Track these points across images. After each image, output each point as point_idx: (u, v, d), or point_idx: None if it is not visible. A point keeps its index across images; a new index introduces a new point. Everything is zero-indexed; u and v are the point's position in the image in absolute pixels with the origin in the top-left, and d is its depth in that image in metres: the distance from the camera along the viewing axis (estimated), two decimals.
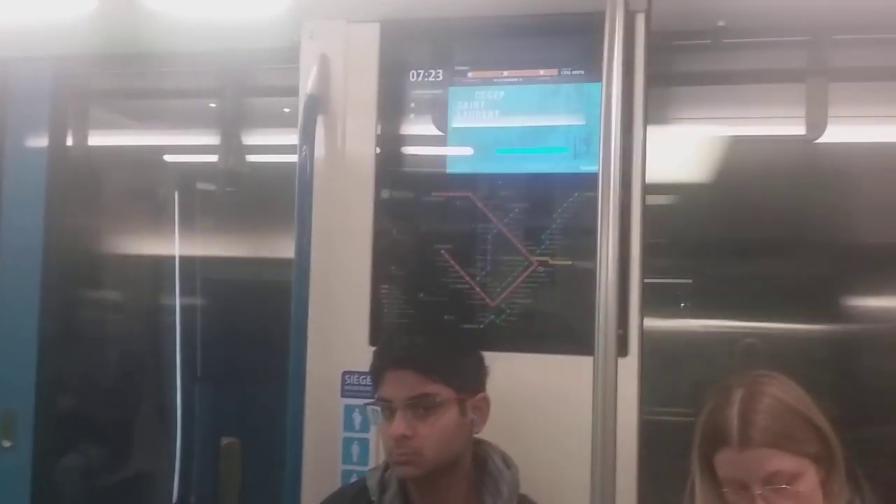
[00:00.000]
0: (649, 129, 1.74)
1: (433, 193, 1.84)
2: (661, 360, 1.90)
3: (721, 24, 1.77)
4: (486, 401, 1.56)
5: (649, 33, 1.73)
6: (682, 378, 2.11)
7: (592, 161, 1.62)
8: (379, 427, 1.56)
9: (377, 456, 1.79)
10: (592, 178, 1.48)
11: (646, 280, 1.71)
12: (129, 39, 2.04)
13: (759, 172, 2.11)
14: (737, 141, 2.09)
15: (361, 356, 1.79)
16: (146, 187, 2.55)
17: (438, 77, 1.86)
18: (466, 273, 1.80)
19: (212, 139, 2.30)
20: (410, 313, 1.83)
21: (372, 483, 1.58)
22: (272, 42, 1.98)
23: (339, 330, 1.85)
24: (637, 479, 1.65)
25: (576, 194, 1.76)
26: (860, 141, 2.07)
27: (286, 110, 2.10)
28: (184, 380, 2.46)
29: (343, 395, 1.84)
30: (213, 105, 2.33)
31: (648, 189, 1.73)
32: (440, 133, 1.86)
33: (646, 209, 1.72)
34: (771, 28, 1.82)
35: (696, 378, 2.02)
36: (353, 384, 1.83)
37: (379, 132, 1.87)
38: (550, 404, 1.72)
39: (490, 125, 1.83)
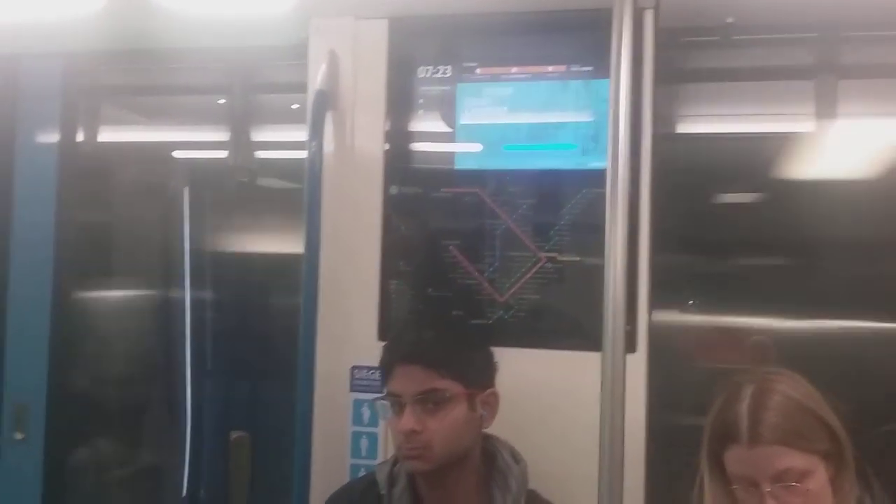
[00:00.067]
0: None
1: (441, 189, 1.85)
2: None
3: (730, 20, 1.77)
4: (496, 396, 1.57)
5: (658, 30, 1.73)
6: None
7: (601, 157, 1.61)
8: (388, 422, 1.57)
9: (386, 450, 1.80)
10: (601, 174, 1.49)
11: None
12: (138, 36, 2.05)
13: None
14: None
15: (370, 351, 1.80)
16: (156, 183, 2.56)
17: (447, 73, 1.86)
18: (475, 269, 1.81)
19: (221, 135, 2.31)
20: (419, 309, 1.83)
21: (381, 477, 1.59)
22: (281, 38, 1.98)
23: (348, 325, 1.86)
24: (645, 474, 1.66)
25: (584, 190, 1.76)
26: None
27: (295, 106, 2.11)
28: (194, 374, 2.47)
29: (352, 390, 1.85)
30: (222, 101, 2.34)
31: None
32: (448, 129, 1.87)
33: (654, 205, 1.72)
34: (780, 25, 1.81)
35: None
36: (362, 379, 1.84)
37: (387, 128, 1.88)
38: (558, 400, 1.72)
39: (498, 121, 1.83)
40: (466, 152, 1.86)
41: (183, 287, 2.51)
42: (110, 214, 2.55)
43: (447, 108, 1.86)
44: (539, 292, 1.78)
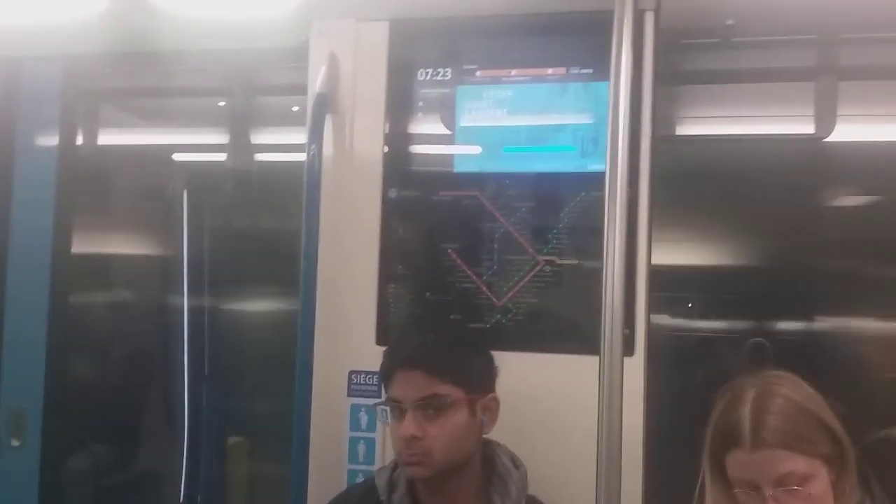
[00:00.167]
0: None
1: (441, 192, 1.84)
2: None
3: (730, 22, 1.76)
4: (496, 401, 1.56)
5: (658, 32, 1.72)
6: None
7: (600, 160, 1.61)
8: (388, 427, 1.55)
9: (383, 455, 1.79)
10: (600, 177, 1.48)
11: None
12: (138, 38, 2.05)
13: None
14: None
15: (368, 355, 1.79)
16: (155, 186, 2.56)
17: (446, 76, 1.86)
18: (473, 272, 1.80)
19: (221, 138, 2.30)
20: (417, 313, 1.82)
21: (381, 483, 1.57)
22: (281, 41, 1.98)
23: (346, 329, 1.85)
24: (643, 478, 1.64)
25: (583, 193, 1.75)
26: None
27: (295, 109, 2.10)
28: (191, 379, 2.46)
29: (349, 395, 1.84)
30: (222, 104, 2.34)
31: None
32: (448, 132, 1.86)
33: (653, 208, 1.71)
34: (780, 27, 1.81)
35: None
36: (360, 384, 1.83)
37: (387, 131, 1.88)
38: (556, 404, 1.71)
39: (498, 124, 1.83)
40: (466, 155, 1.86)
41: (181, 291, 2.51)
42: (109, 218, 2.54)
43: (447, 111, 1.86)
44: (537, 296, 1.77)
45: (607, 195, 1.42)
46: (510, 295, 1.78)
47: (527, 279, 1.77)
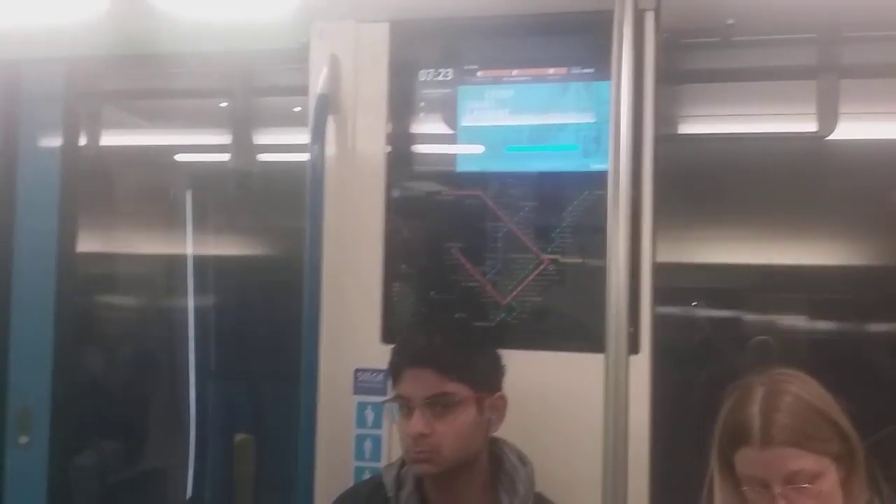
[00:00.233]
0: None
1: (443, 192, 1.85)
2: None
3: (731, 21, 1.77)
4: (504, 400, 1.57)
5: (659, 31, 1.73)
6: None
7: (602, 159, 1.62)
8: (396, 424, 1.57)
9: (389, 453, 1.81)
10: (602, 176, 1.49)
11: None
12: (140, 40, 2.05)
13: None
14: None
15: (373, 353, 1.81)
16: (158, 187, 2.57)
17: (448, 76, 1.86)
18: (477, 271, 1.81)
19: (223, 139, 2.31)
20: (422, 311, 1.84)
21: (388, 480, 1.59)
22: (282, 42, 1.98)
23: (351, 327, 1.86)
24: (649, 475, 1.66)
25: (586, 192, 1.76)
26: None
27: (297, 109, 2.11)
28: (198, 377, 2.48)
29: (355, 392, 1.85)
30: (223, 105, 2.35)
31: None
32: (450, 132, 1.87)
33: (656, 206, 1.72)
34: (781, 25, 1.81)
35: None
36: (366, 381, 1.85)
37: (389, 131, 1.88)
38: (561, 402, 1.72)
39: (500, 124, 1.83)
40: (468, 154, 1.86)
41: (186, 290, 2.52)
42: (113, 218, 2.55)
43: (448, 111, 1.86)
44: (541, 294, 1.78)
45: (610, 194, 1.43)
46: (514, 293, 1.79)
47: (531, 278, 1.78)
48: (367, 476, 1.78)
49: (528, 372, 1.69)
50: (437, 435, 1.48)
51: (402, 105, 1.88)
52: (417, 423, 1.48)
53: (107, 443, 2.52)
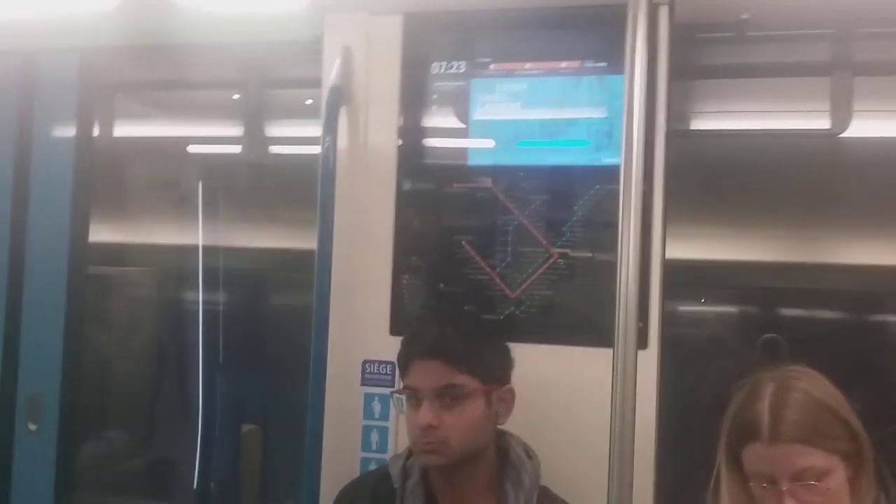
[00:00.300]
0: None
1: (454, 185, 1.85)
2: None
3: (745, 16, 1.76)
4: (512, 392, 1.58)
5: (672, 25, 1.72)
6: None
7: (614, 153, 1.61)
8: (404, 415, 1.57)
9: (396, 444, 1.81)
10: (614, 170, 1.49)
11: None
12: (153, 31, 2.07)
13: None
14: None
15: (382, 346, 1.81)
16: (170, 177, 2.58)
17: (460, 69, 1.86)
18: (487, 264, 1.81)
19: (235, 130, 2.32)
20: (431, 304, 1.84)
21: (394, 471, 1.59)
22: (295, 34, 1.99)
23: (360, 319, 1.86)
24: (655, 470, 1.65)
25: (597, 186, 1.76)
26: None
27: (309, 102, 2.12)
28: (206, 367, 2.48)
29: (363, 384, 1.86)
30: (236, 97, 2.35)
31: None
32: (462, 125, 1.87)
33: (667, 201, 1.71)
34: (795, 21, 1.80)
35: None
36: (374, 373, 1.85)
37: (401, 124, 1.89)
38: (569, 396, 1.72)
39: (512, 117, 1.83)
40: (479, 148, 1.86)
41: (196, 281, 2.53)
42: (125, 208, 2.57)
43: (461, 104, 1.86)
44: (551, 288, 1.77)
45: (622, 188, 1.43)
46: (524, 287, 1.79)
47: (540, 271, 1.78)
48: (373, 467, 1.79)
49: (536, 365, 1.70)
50: (444, 426, 1.48)
51: (414, 98, 1.88)
52: (426, 414, 1.49)
53: (115, 431, 2.54)
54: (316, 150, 1.86)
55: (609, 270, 1.47)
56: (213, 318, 2.51)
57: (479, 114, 1.86)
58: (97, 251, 2.38)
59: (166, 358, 2.61)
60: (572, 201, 1.77)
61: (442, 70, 1.87)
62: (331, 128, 1.85)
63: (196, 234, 2.51)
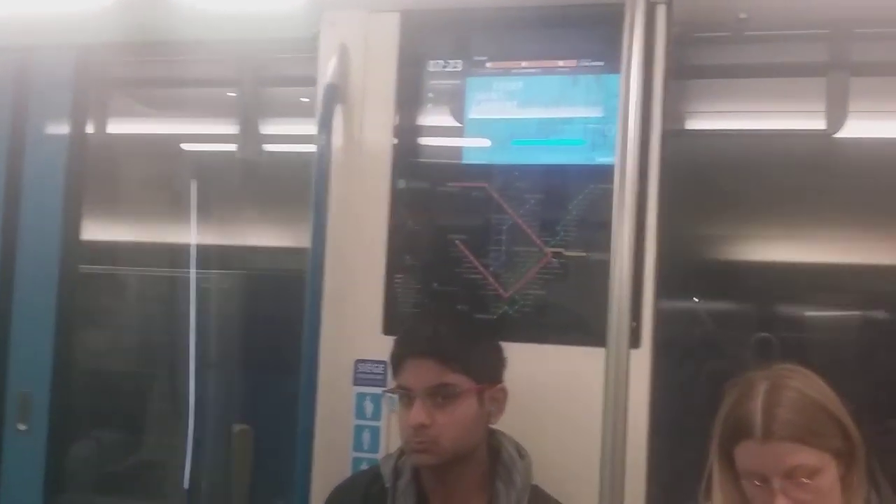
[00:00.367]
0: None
1: (449, 184, 1.85)
2: None
3: (742, 16, 1.76)
4: (504, 392, 1.57)
5: (670, 25, 1.72)
6: None
7: (609, 153, 1.61)
8: (396, 414, 1.56)
9: (388, 444, 1.80)
10: (608, 169, 1.49)
11: None
12: (149, 28, 2.06)
13: None
14: None
15: (375, 345, 1.80)
16: (164, 175, 2.57)
17: (457, 67, 1.86)
18: (480, 263, 1.81)
19: (231, 128, 2.31)
20: (424, 303, 1.83)
21: (386, 470, 1.58)
22: (292, 31, 1.99)
23: (353, 318, 1.86)
24: (647, 470, 1.65)
25: (591, 186, 1.75)
26: None
27: (304, 100, 2.11)
28: (197, 367, 2.47)
29: (355, 384, 1.85)
30: (232, 94, 2.35)
31: None
32: (457, 124, 1.87)
33: (662, 201, 1.71)
34: (792, 21, 1.80)
35: None
36: (366, 372, 1.84)
37: (397, 122, 1.88)
38: (562, 395, 1.72)
39: (507, 116, 1.83)
40: (475, 147, 1.86)
41: (188, 279, 2.52)
42: (117, 205, 2.55)
43: (456, 103, 1.86)
44: (544, 288, 1.77)
45: (616, 188, 1.43)
46: (517, 286, 1.78)
47: (534, 271, 1.78)
48: (364, 467, 1.78)
49: (529, 365, 1.69)
50: (437, 426, 1.48)
51: (410, 96, 1.88)
52: (418, 413, 1.48)
53: (105, 431, 2.52)
54: (311, 147, 1.85)
55: (603, 270, 1.47)
56: (205, 316, 2.50)
57: (475, 112, 1.85)
58: (89, 249, 2.36)
59: (158, 357, 2.59)
60: (567, 201, 1.77)
61: (438, 68, 1.87)
62: (326, 126, 1.84)
63: (189, 232, 2.50)
